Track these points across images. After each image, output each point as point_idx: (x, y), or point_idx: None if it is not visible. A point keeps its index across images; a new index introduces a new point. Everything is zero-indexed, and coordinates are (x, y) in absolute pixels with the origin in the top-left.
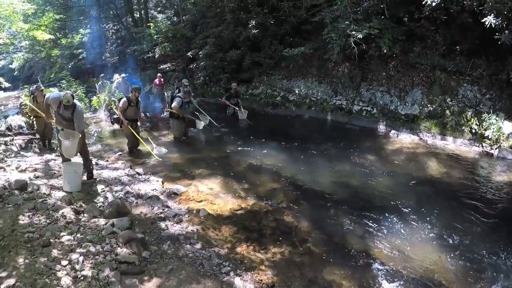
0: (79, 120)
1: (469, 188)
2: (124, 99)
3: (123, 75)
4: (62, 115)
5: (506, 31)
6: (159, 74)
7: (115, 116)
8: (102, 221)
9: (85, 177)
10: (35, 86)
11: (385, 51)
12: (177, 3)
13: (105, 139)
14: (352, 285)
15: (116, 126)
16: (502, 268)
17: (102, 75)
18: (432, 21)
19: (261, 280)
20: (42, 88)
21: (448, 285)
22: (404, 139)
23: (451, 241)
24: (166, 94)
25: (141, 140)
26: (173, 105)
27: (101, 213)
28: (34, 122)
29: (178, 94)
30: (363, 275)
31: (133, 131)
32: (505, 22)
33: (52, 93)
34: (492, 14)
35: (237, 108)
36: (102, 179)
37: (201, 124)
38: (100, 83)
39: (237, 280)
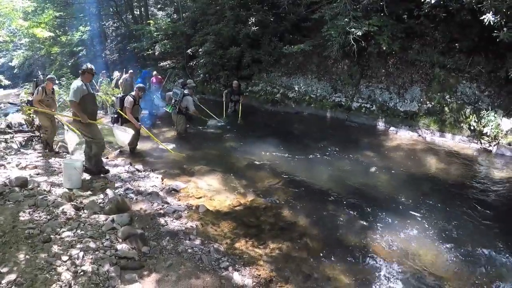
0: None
1: (467, 185)
2: (131, 98)
3: (131, 71)
4: (91, 92)
5: (505, 29)
6: (154, 72)
7: (115, 116)
8: (102, 217)
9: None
10: (47, 76)
11: (384, 48)
12: (177, 0)
13: (104, 136)
14: (350, 280)
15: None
16: (501, 263)
17: (103, 71)
18: (431, 18)
19: (259, 275)
20: (54, 77)
21: (446, 280)
22: (403, 136)
23: (449, 237)
24: (156, 97)
25: (156, 139)
26: (192, 110)
27: (101, 209)
28: (36, 119)
29: (186, 93)
30: (361, 270)
31: (146, 130)
32: (504, 20)
33: (74, 90)
34: (491, 12)
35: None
36: (102, 176)
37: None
38: (100, 79)
39: (236, 275)
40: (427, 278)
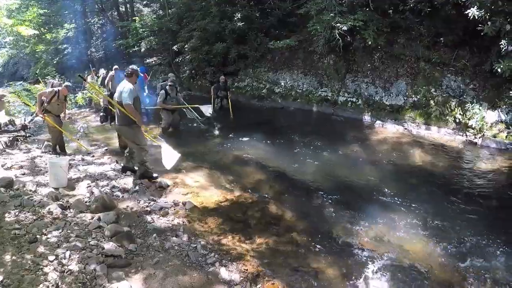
0: None
1: (453, 176)
2: None
3: (116, 67)
4: (138, 95)
5: (489, 23)
6: (139, 68)
7: (103, 114)
8: (88, 216)
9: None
10: (65, 83)
11: (369, 42)
12: None
13: (91, 135)
14: (337, 273)
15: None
16: (486, 254)
17: (93, 68)
18: (416, 13)
19: (247, 270)
20: (71, 86)
21: (432, 272)
22: (389, 129)
23: (435, 228)
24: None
25: (146, 135)
26: (158, 103)
27: (88, 208)
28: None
29: (166, 86)
30: (348, 262)
31: None
32: (488, 14)
33: (128, 92)
34: (475, 6)
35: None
36: (88, 174)
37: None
38: (90, 76)
39: (223, 270)
40: (414, 269)
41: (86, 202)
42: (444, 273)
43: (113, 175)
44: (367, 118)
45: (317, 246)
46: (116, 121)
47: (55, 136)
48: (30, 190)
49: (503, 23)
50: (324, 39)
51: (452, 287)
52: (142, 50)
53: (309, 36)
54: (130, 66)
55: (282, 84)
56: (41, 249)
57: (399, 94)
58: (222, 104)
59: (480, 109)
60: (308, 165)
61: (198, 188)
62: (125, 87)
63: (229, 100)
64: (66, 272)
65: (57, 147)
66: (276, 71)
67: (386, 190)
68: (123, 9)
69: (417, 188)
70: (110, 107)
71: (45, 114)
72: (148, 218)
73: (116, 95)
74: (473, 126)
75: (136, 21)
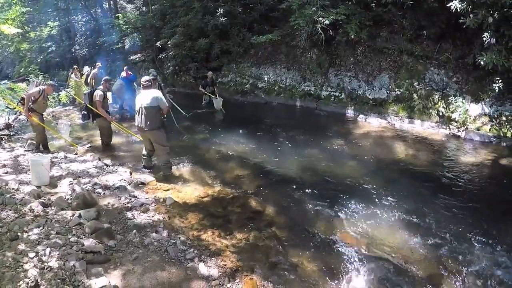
0: None
1: (436, 170)
2: (101, 92)
3: (98, 64)
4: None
5: (471, 15)
6: (125, 67)
7: (85, 112)
8: (69, 213)
9: None
10: (49, 82)
11: (352, 36)
12: None
13: (74, 132)
14: (317, 268)
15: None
16: (468, 248)
17: (75, 66)
18: (399, 6)
19: (225, 265)
20: (56, 84)
21: (414, 266)
22: (372, 123)
23: (417, 223)
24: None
25: (128, 131)
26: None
27: (69, 205)
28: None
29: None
30: (329, 257)
31: (116, 124)
32: (470, 7)
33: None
34: None
35: (213, 96)
36: (70, 172)
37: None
38: (72, 74)
39: (201, 266)
40: (395, 263)
41: (67, 199)
42: (425, 266)
43: (95, 172)
44: (350, 112)
45: (297, 241)
46: (143, 127)
47: (39, 135)
48: (13, 189)
49: (485, 15)
50: (307, 33)
51: (432, 280)
52: (126, 47)
53: (292, 30)
54: (144, 78)
55: (265, 79)
56: (21, 246)
57: (382, 88)
58: (210, 100)
59: (463, 102)
60: (290, 160)
61: (179, 184)
62: (153, 94)
63: (217, 95)
64: (46, 269)
65: (41, 145)
66: (259, 66)
67: (368, 184)
68: (107, 6)
69: (399, 182)
70: (89, 106)
71: (30, 114)
72: (129, 214)
73: (144, 102)
74: (456, 119)
75: (120, 18)
